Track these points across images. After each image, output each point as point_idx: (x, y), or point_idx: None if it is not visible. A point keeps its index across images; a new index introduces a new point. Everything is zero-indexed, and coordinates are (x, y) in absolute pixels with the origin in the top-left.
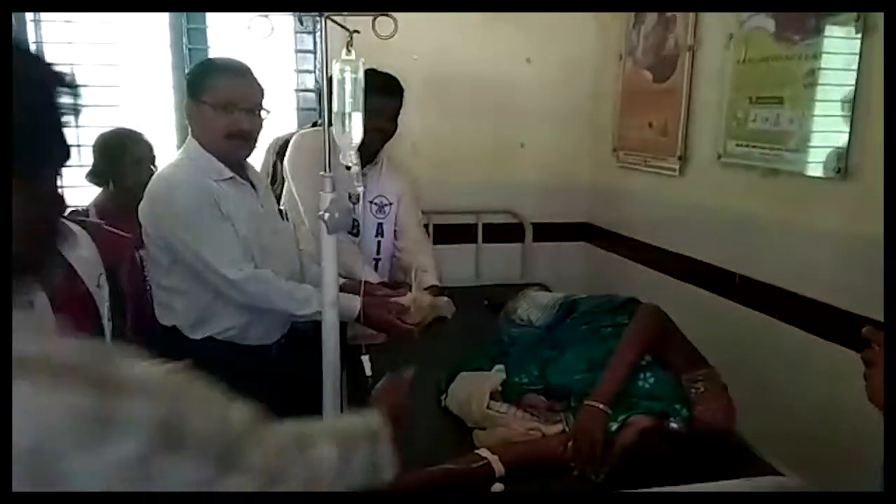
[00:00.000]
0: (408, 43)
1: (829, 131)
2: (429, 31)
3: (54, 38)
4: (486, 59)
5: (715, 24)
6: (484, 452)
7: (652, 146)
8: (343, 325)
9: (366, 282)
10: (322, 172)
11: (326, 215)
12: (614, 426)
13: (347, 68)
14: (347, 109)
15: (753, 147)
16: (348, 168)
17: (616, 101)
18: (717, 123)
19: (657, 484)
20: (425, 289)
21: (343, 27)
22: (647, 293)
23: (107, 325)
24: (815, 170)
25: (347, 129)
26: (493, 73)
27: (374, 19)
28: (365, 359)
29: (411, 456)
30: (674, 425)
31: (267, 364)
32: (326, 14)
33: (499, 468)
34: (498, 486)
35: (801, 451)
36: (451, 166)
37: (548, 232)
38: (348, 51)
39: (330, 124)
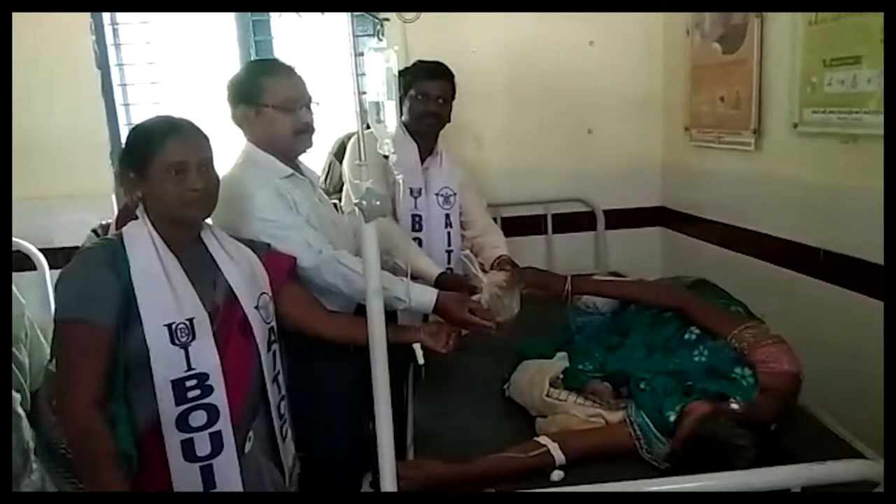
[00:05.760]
0: (466, 37)
1: None
2: (486, 22)
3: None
4: (547, 45)
5: None
6: (543, 440)
7: (725, 121)
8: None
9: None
10: (365, 165)
11: (364, 203)
12: (672, 416)
13: (378, 56)
14: (380, 99)
15: (831, 113)
16: (385, 157)
17: (685, 77)
18: (791, 91)
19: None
20: (496, 259)
21: (372, 17)
22: (726, 275)
23: (261, 344)
24: None
25: (382, 119)
26: (555, 60)
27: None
28: (416, 346)
29: (476, 445)
30: (734, 406)
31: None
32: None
33: (559, 456)
34: (557, 474)
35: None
36: (516, 157)
37: (621, 218)
38: (379, 38)
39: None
